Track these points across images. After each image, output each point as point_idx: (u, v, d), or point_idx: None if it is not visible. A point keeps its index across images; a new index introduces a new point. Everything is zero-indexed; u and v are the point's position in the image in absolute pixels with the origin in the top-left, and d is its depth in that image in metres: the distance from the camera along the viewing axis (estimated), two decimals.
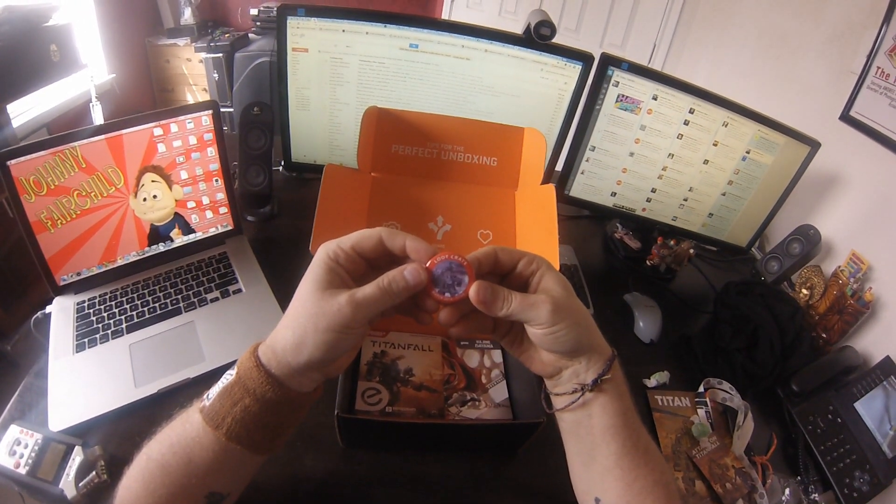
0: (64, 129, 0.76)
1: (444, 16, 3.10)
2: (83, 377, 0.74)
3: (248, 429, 0.44)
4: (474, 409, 0.72)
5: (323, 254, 0.44)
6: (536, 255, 0.47)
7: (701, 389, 0.92)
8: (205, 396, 0.46)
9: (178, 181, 0.89)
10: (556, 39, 0.98)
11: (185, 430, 0.45)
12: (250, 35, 3.05)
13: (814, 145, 1.15)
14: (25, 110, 2.17)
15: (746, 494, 0.79)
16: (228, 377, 0.45)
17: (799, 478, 0.86)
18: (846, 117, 1.33)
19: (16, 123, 1.94)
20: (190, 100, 3.19)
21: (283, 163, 1.11)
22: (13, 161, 0.73)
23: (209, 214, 0.95)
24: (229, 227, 0.98)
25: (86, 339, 0.78)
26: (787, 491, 0.82)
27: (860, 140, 1.28)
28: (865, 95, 1.28)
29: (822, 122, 1.37)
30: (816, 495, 0.85)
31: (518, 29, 1.00)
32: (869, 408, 0.95)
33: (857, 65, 1.31)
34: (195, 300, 0.87)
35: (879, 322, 1.13)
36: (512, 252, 0.47)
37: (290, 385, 0.44)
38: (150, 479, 0.45)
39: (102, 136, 0.79)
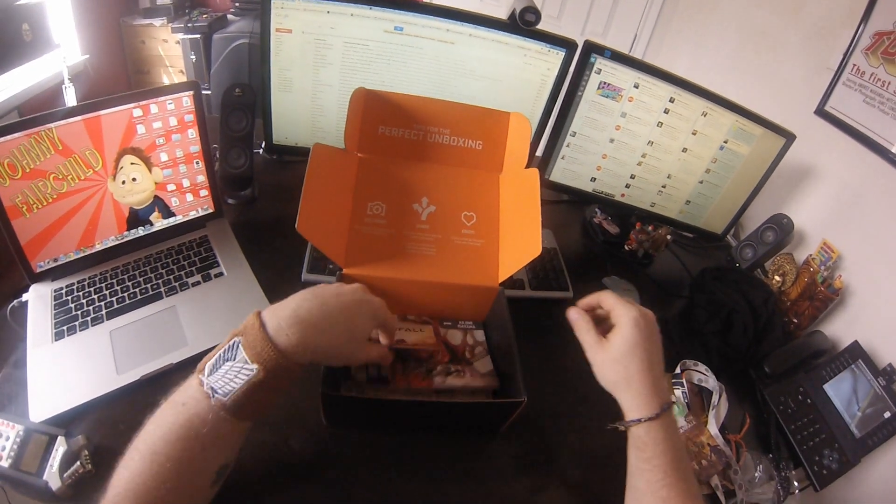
0: (35, 112, 0.73)
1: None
2: (63, 366, 0.72)
3: (265, 407, 0.51)
4: (459, 377, 0.72)
5: (380, 305, 0.61)
6: (632, 309, 0.62)
7: (677, 371, 0.94)
8: (209, 389, 0.48)
9: (158, 163, 0.87)
10: (538, 26, 0.98)
11: (193, 423, 0.48)
12: (229, 16, 2.97)
13: (789, 137, 1.17)
14: None
15: (721, 471, 0.82)
16: (247, 372, 0.48)
17: (771, 455, 0.89)
18: (821, 111, 1.36)
19: None
20: (166, 82, 3.12)
21: (263, 145, 1.09)
22: None
23: (189, 197, 0.93)
24: (210, 210, 0.97)
25: (65, 327, 0.76)
26: (759, 468, 0.85)
27: (834, 134, 1.31)
28: (840, 91, 1.32)
29: (797, 116, 1.40)
30: (787, 472, 0.89)
31: (501, 14, 1.00)
32: (838, 390, 0.99)
33: (833, 61, 1.35)
34: (176, 284, 0.85)
35: (848, 309, 1.17)
36: (610, 299, 0.65)
37: (304, 365, 0.52)
38: (160, 472, 0.46)
39: (80, 118, 0.76)
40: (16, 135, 0.72)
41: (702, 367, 0.95)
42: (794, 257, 1.27)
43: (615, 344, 0.60)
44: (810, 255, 1.23)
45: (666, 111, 1.10)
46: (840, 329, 1.17)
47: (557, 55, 1.02)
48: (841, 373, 1.01)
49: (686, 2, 2.30)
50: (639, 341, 0.60)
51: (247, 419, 0.51)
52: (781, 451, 0.92)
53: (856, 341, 1.04)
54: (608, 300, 0.64)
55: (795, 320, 1.19)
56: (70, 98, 2.33)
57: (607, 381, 0.61)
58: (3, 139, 0.71)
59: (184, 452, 0.47)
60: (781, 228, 1.24)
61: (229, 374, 0.48)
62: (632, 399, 0.59)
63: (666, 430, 0.58)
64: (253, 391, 0.48)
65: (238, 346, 0.49)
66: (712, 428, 0.87)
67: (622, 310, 0.62)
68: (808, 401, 0.99)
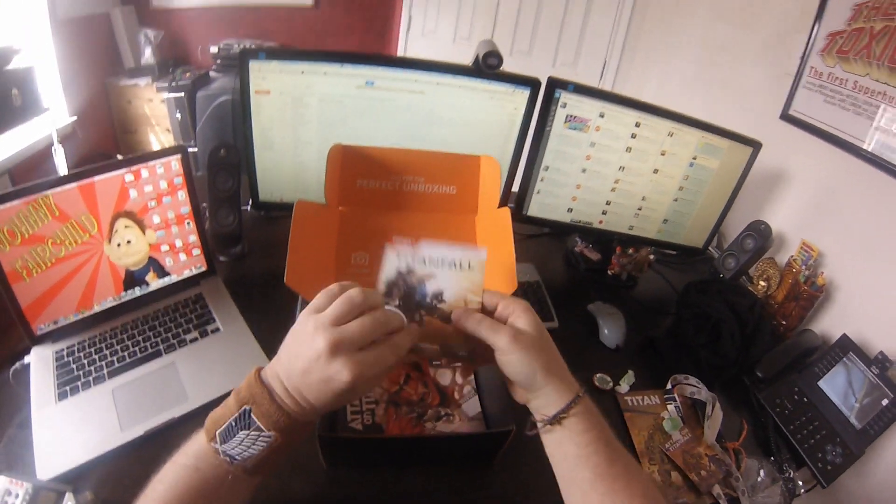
0: (26, 175, 0.77)
1: (401, 44, 3.18)
2: (68, 424, 0.74)
3: (277, 465, 0.52)
4: (448, 423, 0.75)
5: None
6: (517, 300, 0.56)
7: (668, 386, 0.96)
8: (224, 456, 0.49)
9: (151, 225, 0.90)
10: (510, 62, 1.02)
11: (210, 485, 0.49)
12: (211, 73, 3.04)
13: (756, 146, 1.21)
14: None
15: (722, 479, 0.83)
16: (267, 439, 0.49)
17: (772, 458, 0.90)
18: (786, 116, 1.42)
19: None
20: (153, 140, 3.15)
21: (251, 202, 1.12)
22: None
23: (183, 257, 0.96)
24: (203, 269, 0.99)
25: (67, 387, 0.78)
26: (761, 471, 0.86)
27: (800, 136, 1.36)
28: (802, 94, 1.37)
29: (764, 123, 1.46)
30: (791, 472, 0.90)
31: (473, 53, 1.04)
32: (832, 384, 1.00)
33: (792, 66, 1.40)
34: (174, 341, 0.88)
35: (834, 303, 1.20)
36: (495, 295, 0.57)
37: (313, 421, 0.52)
38: None
39: (75, 184, 0.80)
40: (14, 202, 0.76)
41: (692, 380, 0.96)
42: (776, 261, 1.30)
43: (529, 326, 0.54)
44: (791, 256, 1.26)
45: (633, 136, 1.13)
46: (829, 325, 1.19)
47: (523, 94, 1.06)
48: (834, 367, 1.02)
49: (649, 25, 2.39)
50: (538, 319, 0.55)
51: (263, 475, 0.52)
52: (783, 452, 0.93)
53: (844, 334, 1.05)
54: (493, 296, 0.57)
55: (784, 322, 1.21)
56: (60, 160, 2.34)
57: (536, 369, 0.52)
58: (1, 206, 0.75)
59: None
60: (760, 234, 1.27)
61: (246, 442, 0.49)
62: (560, 382, 0.54)
63: (592, 406, 0.55)
64: (272, 454, 0.49)
65: (250, 416, 0.49)
66: (709, 438, 0.89)
67: (510, 297, 0.57)
68: (805, 399, 1.00)
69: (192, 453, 0.51)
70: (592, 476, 0.52)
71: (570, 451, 0.53)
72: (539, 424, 0.55)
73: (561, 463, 0.55)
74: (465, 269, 0.58)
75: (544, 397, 0.54)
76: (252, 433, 0.49)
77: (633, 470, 0.54)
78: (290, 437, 0.50)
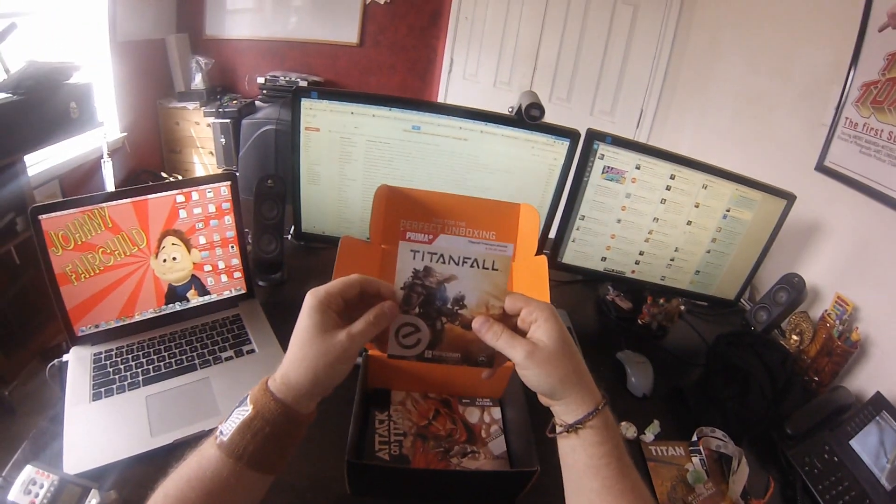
0: (75, 183, 0.82)
1: (442, 86, 3.27)
2: (99, 424, 0.77)
3: (265, 454, 0.51)
4: (474, 460, 0.76)
5: (315, 300, 0.52)
6: (542, 306, 0.55)
7: (694, 438, 0.94)
8: (218, 433, 0.51)
9: (197, 245, 0.95)
10: (548, 108, 1.04)
11: (202, 465, 0.50)
12: (257, 102, 3.18)
13: (790, 198, 1.21)
14: (38, 161, 2.23)
15: None
16: (244, 412, 0.51)
17: None
18: (821, 167, 1.41)
19: (30, 174, 1.97)
20: (196, 161, 3.29)
21: (293, 231, 1.16)
22: (44, 216, 0.79)
23: (224, 278, 1.00)
24: (242, 291, 1.03)
25: (102, 389, 0.81)
26: None
27: (836, 188, 1.35)
28: (837, 145, 1.36)
29: (799, 174, 1.45)
30: None
31: (512, 98, 1.08)
32: (864, 444, 0.96)
33: (827, 117, 1.40)
34: (210, 358, 0.90)
35: (869, 360, 1.17)
36: (518, 300, 0.56)
37: (300, 410, 0.52)
38: None
39: (129, 200, 0.86)
40: (72, 210, 0.81)
41: (719, 433, 0.95)
42: (810, 315, 1.28)
43: (551, 338, 0.53)
44: (825, 310, 1.23)
45: (668, 188, 1.15)
46: (863, 382, 1.16)
47: (563, 144, 1.09)
48: (866, 426, 0.98)
49: (686, 75, 2.41)
50: (562, 326, 0.54)
51: (247, 465, 0.50)
52: None
53: (878, 392, 1.01)
54: (516, 300, 0.55)
55: (816, 378, 1.18)
56: (108, 173, 2.46)
57: (553, 383, 0.53)
58: (60, 213, 0.80)
59: (191, 493, 0.49)
60: (793, 287, 1.25)
61: (233, 417, 0.51)
62: (579, 393, 0.53)
63: (611, 419, 0.55)
64: (246, 430, 0.50)
65: (247, 395, 0.52)
66: (734, 494, 0.87)
67: (534, 302, 0.55)
68: (835, 458, 0.96)
69: (199, 448, 0.53)
70: (600, 487, 0.52)
71: (581, 459, 0.53)
72: (558, 429, 0.55)
73: (571, 468, 0.55)
74: (489, 269, 0.55)
75: (564, 406, 0.54)
76: (237, 408, 0.52)
77: (641, 488, 0.54)
78: (269, 425, 0.50)
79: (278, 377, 0.52)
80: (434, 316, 0.56)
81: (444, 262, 0.55)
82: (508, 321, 0.56)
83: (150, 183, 0.87)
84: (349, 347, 0.51)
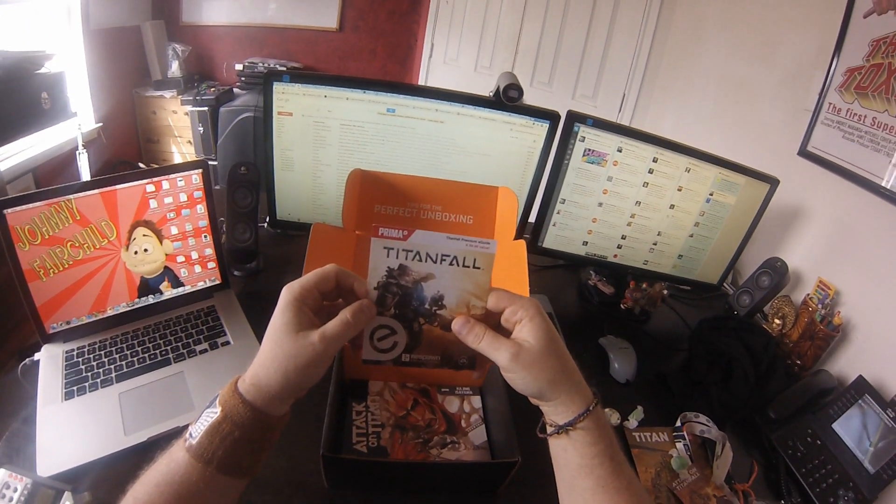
0: (49, 176, 0.79)
1: (422, 71, 3.24)
2: (72, 424, 0.75)
3: (235, 458, 0.49)
4: (454, 451, 0.74)
5: (290, 296, 0.50)
6: (527, 303, 0.53)
7: (678, 424, 0.94)
8: (187, 435, 0.49)
9: (169, 236, 0.92)
10: (530, 93, 1.03)
11: (171, 469, 0.48)
12: (235, 90, 3.12)
13: (773, 182, 1.21)
14: (11, 154, 2.14)
15: None
16: (212, 415, 0.49)
17: (782, 501, 0.89)
18: (804, 152, 1.41)
19: (2, 167, 1.94)
20: (174, 151, 3.23)
21: (267, 220, 1.14)
22: (9, 210, 0.76)
23: (198, 269, 0.98)
24: (217, 282, 1.01)
25: (75, 388, 0.79)
26: None
27: (818, 172, 1.36)
28: (820, 130, 1.37)
29: (782, 159, 1.46)
30: None
31: (493, 82, 1.05)
32: (847, 427, 0.98)
33: (810, 102, 1.41)
34: (184, 351, 0.88)
35: (851, 344, 1.18)
36: (503, 297, 0.53)
37: (271, 412, 0.50)
38: None
39: (97, 191, 0.82)
40: (37, 203, 0.78)
41: (703, 418, 0.95)
42: (792, 299, 1.29)
43: (537, 337, 0.51)
44: (808, 294, 1.25)
45: (650, 171, 1.14)
46: (845, 365, 1.17)
47: (542, 127, 1.07)
48: (848, 409, 0.99)
49: (668, 59, 2.40)
50: (549, 324, 0.53)
51: (216, 470, 0.48)
52: (794, 496, 0.90)
53: (860, 376, 1.02)
54: (500, 298, 0.53)
55: (799, 362, 1.19)
56: (83, 164, 2.40)
57: (541, 385, 0.51)
58: (25, 207, 0.77)
59: (160, 498, 0.47)
60: (776, 272, 1.26)
61: (202, 419, 0.49)
62: (569, 393, 0.52)
63: (602, 417, 0.53)
64: (214, 434, 0.48)
65: (216, 396, 0.50)
66: (718, 479, 0.87)
67: (519, 300, 0.53)
68: (818, 442, 0.97)
69: (169, 450, 0.51)
70: (594, 486, 0.51)
71: (573, 459, 0.52)
72: (548, 430, 0.54)
73: (563, 468, 0.54)
74: (470, 267, 0.52)
75: (553, 407, 0.52)
76: (207, 409, 0.50)
77: (636, 485, 0.53)
78: (237, 428, 0.48)
79: (248, 378, 0.50)
80: (411, 317, 0.53)
81: (420, 260, 0.51)
82: (491, 319, 0.54)
83: (120, 173, 0.84)
84: (322, 351, 0.49)
